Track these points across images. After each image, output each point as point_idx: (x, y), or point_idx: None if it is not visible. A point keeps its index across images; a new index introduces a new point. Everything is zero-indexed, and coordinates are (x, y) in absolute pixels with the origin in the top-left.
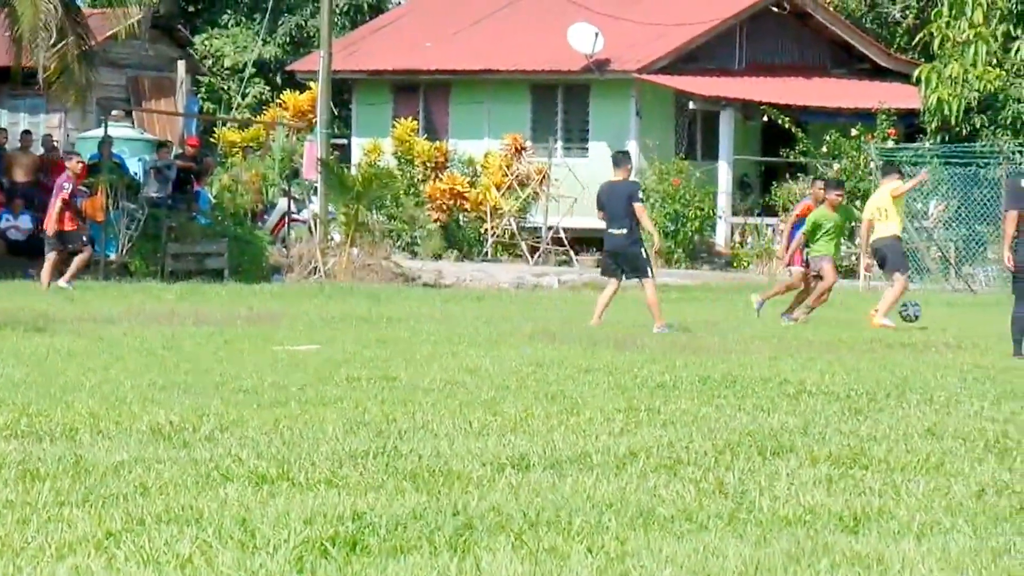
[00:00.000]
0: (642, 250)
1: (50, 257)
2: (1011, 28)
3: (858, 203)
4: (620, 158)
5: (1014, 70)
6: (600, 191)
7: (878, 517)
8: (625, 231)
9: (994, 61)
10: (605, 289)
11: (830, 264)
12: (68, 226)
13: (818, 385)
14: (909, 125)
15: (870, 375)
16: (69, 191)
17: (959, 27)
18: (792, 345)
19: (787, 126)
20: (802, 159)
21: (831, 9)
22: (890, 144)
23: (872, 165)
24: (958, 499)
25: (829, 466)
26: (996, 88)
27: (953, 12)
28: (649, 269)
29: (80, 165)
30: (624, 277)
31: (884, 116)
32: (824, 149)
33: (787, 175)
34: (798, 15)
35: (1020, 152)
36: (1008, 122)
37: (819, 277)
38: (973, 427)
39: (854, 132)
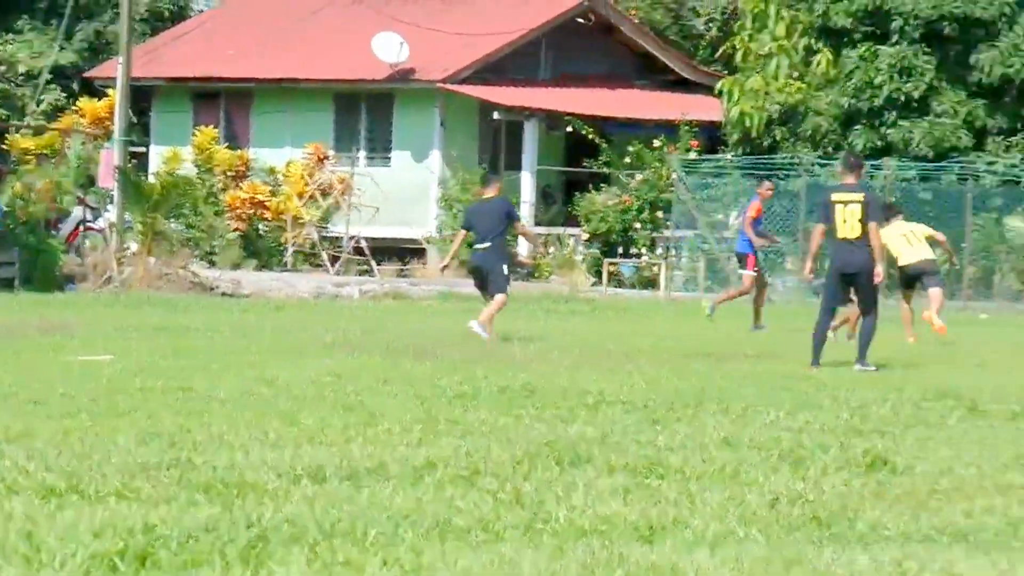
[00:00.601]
0: (504, 267)
1: None
2: (812, 42)
3: (660, 213)
4: (490, 177)
5: (815, 83)
6: (470, 210)
7: (673, 527)
8: (490, 245)
9: (795, 74)
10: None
11: None
12: None
13: (617, 395)
14: (711, 137)
15: (668, 385)
16: None
17: (762, 40)
18: (592, 355)
19: (591, 137)
20: (605, 170)
21: (636, 21)
22: (692, 156)
23: (674, 176)
24: (752, 508)
25: (626, 476)
26: (797, 101)
27: (756, 25)
28: (506, 287)
29: None
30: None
31: (687, 128)
32: (627, 160)
33: (590, 186)
34: (603, 27)
35: (820, 164)
36: (808, 135)
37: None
38: (768, 436)
39: (657, 143)
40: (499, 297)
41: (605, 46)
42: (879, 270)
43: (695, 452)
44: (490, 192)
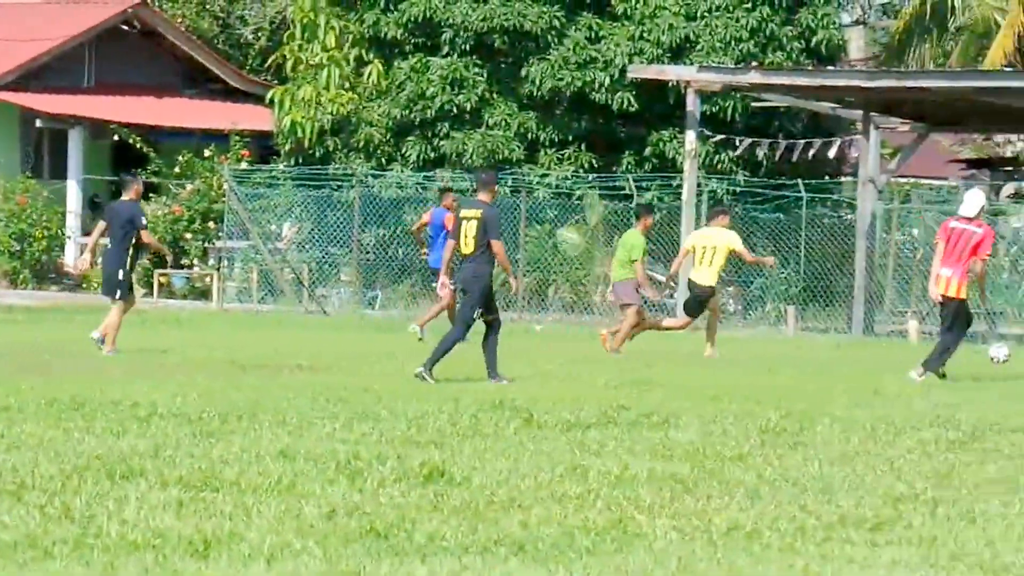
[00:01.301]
0: (120, 271)
1: None
2: (363, 52)
3: (212, 224)
4: (126, 181)
5: (366, 94)
6: (106, 208)
7: (229, 540)
8: (113, 249)
9: (347, 85)
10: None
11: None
12: None
13: (170, 407)
14: (263, 147)
15: (223, 397)
16: None
17: (312, 50)
18: (144, 367)
19: (138, 146)
20: (155, 179)
21: (183, 29)
22: (244, 165)
23: (226, 186)
24: (309, 521)
25: (180, 489)
26: (349, 111)
27: (306, 35)
28: (122, 293)
29: None
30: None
31: (237, 137)
32: (177, 169)
33: None
34: (149, 34)
35: (373, 175)
36: (361, 145)
37: None
38: (325, 449)
39: (208, 153)
40: (114, 315)
41: (152, 54)
42: (512, 282)
43: (250, 464)
44: (127, 195)
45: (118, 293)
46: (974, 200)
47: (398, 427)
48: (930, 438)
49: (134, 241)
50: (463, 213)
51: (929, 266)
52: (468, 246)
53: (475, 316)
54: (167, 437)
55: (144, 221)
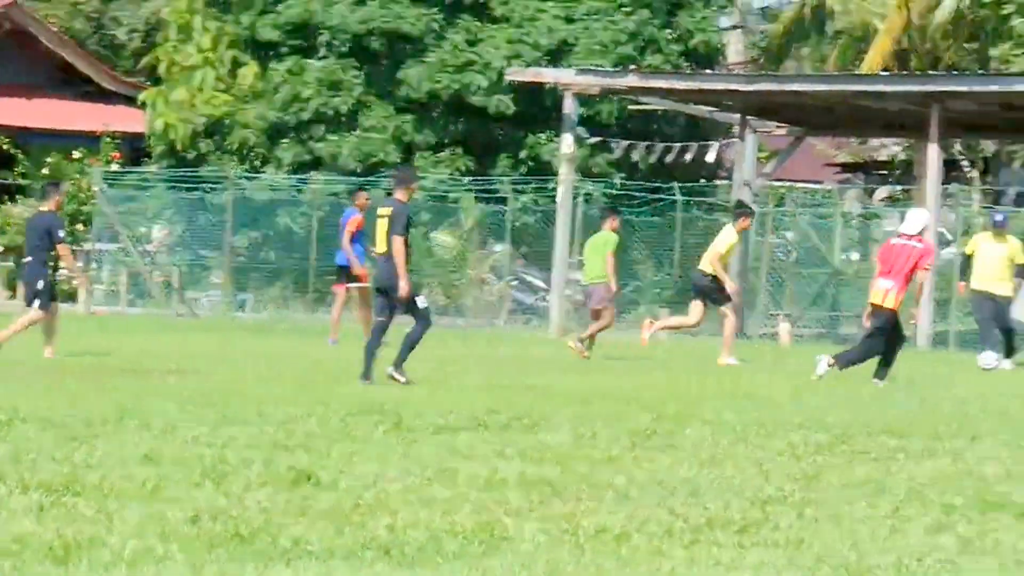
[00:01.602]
0: (40, 281)
1: None
2: (239, 54)
3: (81, 227)
4: (48, 190)
5: (241, 96)
6: (28, 220)
7: (90, 546)
8: (31, 259)
9: (222, 86)
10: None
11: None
12: None
13: (33, 412)
14: (136, 148)
15: (88, 401)
16: None
17: (187, 52)
18: (9, 371)
19: (6, 147)
20: (22, 181)
21: (55, 30)
22: (115, 168)
23: (96, 188)
24: (173, 525)
25: (41, 494)
26: (223, 114)
27: (181, 37)
28: (42, 302)
29: None
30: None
31: (109, 139)
32: (46, 171)
33: (6, 197)
34: (19, 34)
35: (247, 178)
36: (235, 147)
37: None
38: (191, 452)
39: (77, 155)
40: (30, 313)
41: (22, 54)
42: (402, 284)
43: (114, 469)
44: (46, 205)
45: (37, 302)
46: (916, 218)
47: (266, 431)
48: (799, 440)
49: (52, 252)
50: (379, 211)
51: (803, 268)
52: (382, 244)
53: (424, 305)
54: (29, 442)
55: (62, 234)
